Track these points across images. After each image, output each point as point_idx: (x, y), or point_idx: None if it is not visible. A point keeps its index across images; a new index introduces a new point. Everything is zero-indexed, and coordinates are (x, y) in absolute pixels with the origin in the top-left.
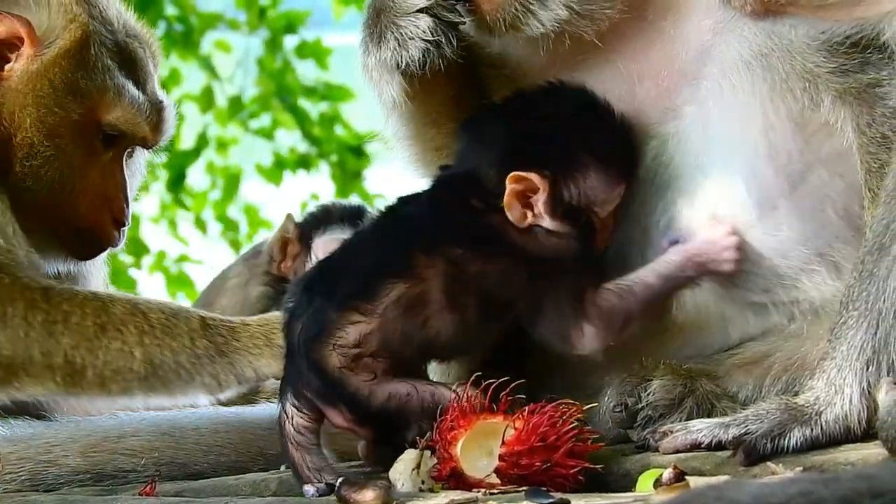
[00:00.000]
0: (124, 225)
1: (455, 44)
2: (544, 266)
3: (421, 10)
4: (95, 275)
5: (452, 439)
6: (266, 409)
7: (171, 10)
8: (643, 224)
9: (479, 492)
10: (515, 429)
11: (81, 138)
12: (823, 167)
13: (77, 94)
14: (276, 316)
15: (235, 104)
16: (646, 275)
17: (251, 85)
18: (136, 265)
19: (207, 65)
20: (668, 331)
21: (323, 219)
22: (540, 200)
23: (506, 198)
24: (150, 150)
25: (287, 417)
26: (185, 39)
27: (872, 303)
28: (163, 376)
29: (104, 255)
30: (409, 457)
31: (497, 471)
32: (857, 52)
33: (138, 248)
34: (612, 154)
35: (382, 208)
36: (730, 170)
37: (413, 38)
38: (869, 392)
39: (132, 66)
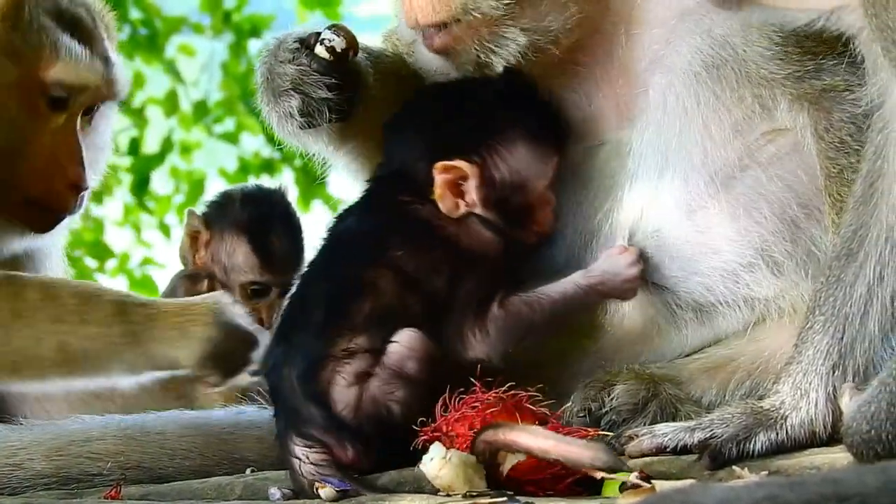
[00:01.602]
0: (82, 189)
1: (330, 113)
2: (472, 261)
3: (292, 89)
4: (52, 254)
5: (468, 442)
6: (231, 413)
7: (135, 14)
8: (597, 229)
9: (456, 494)
10: None
11: (24, 101)
12: (761, 169)
13: (12, 54)
14: (199, 302)
15: (200, 108)
16: (554, 291)
17: (216, 89)
18: (99, 269)
19: (172, 69)
20: (624, 337)
21: (225, 204)
22: (471, 187)
23: (436, 189)
24: (106, 105)
25: (302, 460)
26: (149, 43)
27: (839, 307)
28: (77, 362)
29: (62, 226)
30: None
31: (508, 476)
32: (812, 58)
33: (102, 252)
34: (538, 126)
35: (326, 230)
36: (662, 178)
37: (293, 117)
38: (835, 396)
39: (74, 25)
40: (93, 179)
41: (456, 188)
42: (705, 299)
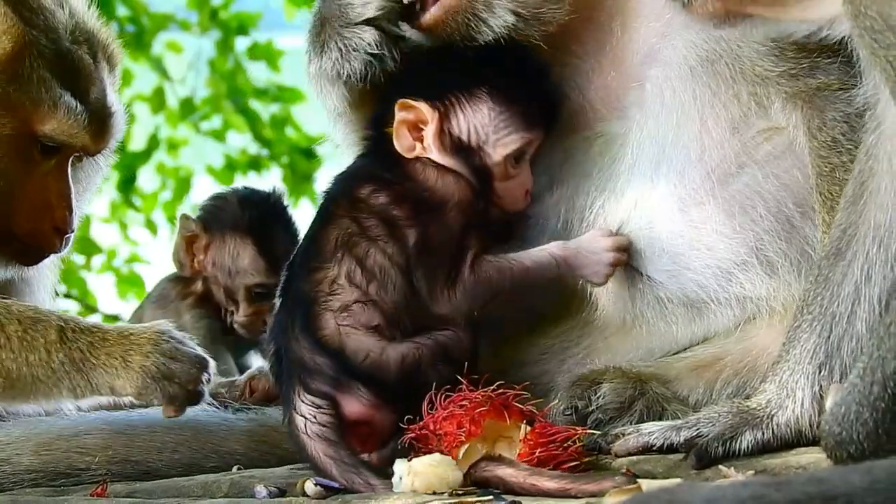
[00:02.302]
0: (67, 233)
1: (398, 57)
2: (438, 204)
3: (366, 22)
4: (42, 281)
5: (456, 441)
6: (216, 408)
7: (122, 11)
8: (586, 222)
9: (443, 494)
10: (525, 441)
11: (16, 150)
12: (758, 167)
13: (9, 107)
14: (141, 330)
15: (187, 105)
16: (525, 258)
17: (202, 86)
18: (86, 266)
19: (159, 66)
20: (612, 333)
21: (222, 206)
22: (429, 133)
23: (394, 126)
24: (97, 156)
25: (306, 419)
26: (136, 40)
27: (826, 307)
28: (20, 388)
29: (49, 260)
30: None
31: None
32: (806, 56)
33: (89, 249)
34: (516, 95)
35: None
36: (658, 171)
37: (357, 51)
38: (821, 396)
39: (73, 74)
40: (78, 220)
41: (416, 130)
42: (696, 296)
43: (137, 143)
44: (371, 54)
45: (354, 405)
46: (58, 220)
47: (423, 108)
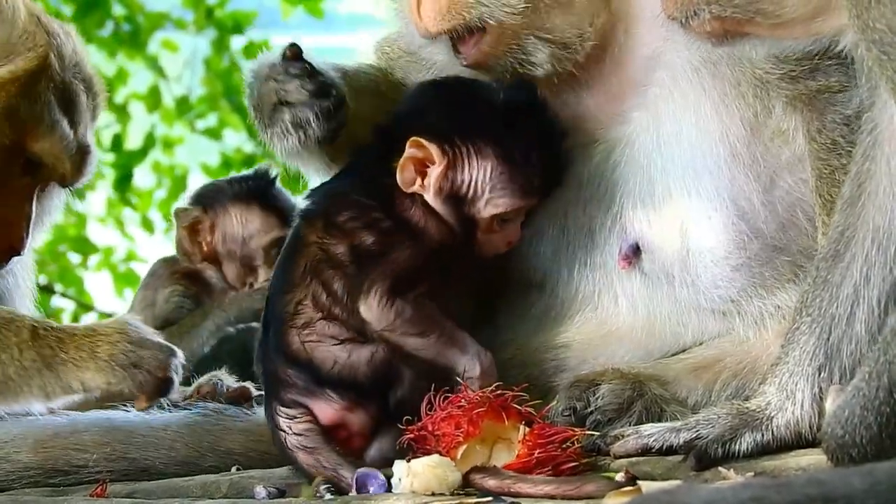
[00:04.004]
0: (18, 254)
1: (331, 123)
2: (412, 235)
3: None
4: (21, 292)
5: (454, 442)
6: (214, 407)
7: (118, 10)
8: (589, 227)
9: (442, 495)
10: (523, 442)
11: (4, 160)
12: (787, 173)
13: (15, 120)
14: (108, 323)
15: (182, 104)
16: (446, 335)
17: (198, 85)
18: (82, 264)
19: (154, 64)
20: (620, 335)
21: (214, 188)
22: (433, 174)
23: (402, 160)
24: (66, 188)
25: (286, 432)
26: (132, 39)
27: (825, 308)
28: None
29: (29, 270)
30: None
31: None
32: (806, 58)
33: (85, 247)
34: (524, 161)
35: None
36: (664, 175)
37: (285, 133)
38: (821, 398)
39: (71, 105)
40: (33, 243)
41: (421, 167)
42: (727, 308)
43: (134, 142)
44: (296, 128)
45: (327, 411)
46: (14, 240)
47: (434, 151)
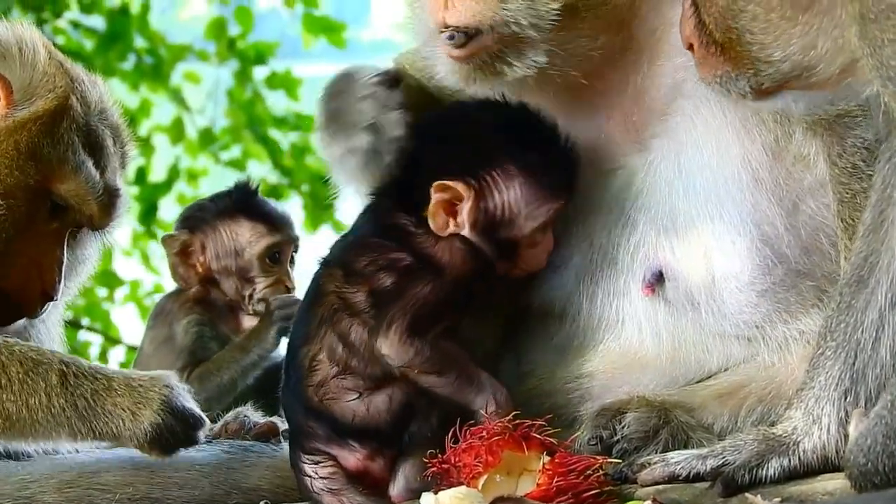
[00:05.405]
0: (52, 299)
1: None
2: (439, 271)
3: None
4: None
5: (474, 472)
6: (240, 444)
7: (140, 43)
8: (612, 254)
9: None
10: (543, 470)
11: (29, 202)
12: (810, 197)
13: (38, 160)
14: (149, 384)
15: (206, 135)
16: (466, 376)
17: (221, 116)
18: (109, 298)
19: (177, 96)
20: (644, 362)
21: (198, 209)
22: (465, 209)
23: (431, 207)
24: (98, 232)
25: (312, 476)
26: (154, 71)
27: (850, 334)
28: (20, 430)
29: (60, 317)
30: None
31: None
32: None
33: (111, 280)
34: (543, 166)
35: None
36: (687, 201)
37: (360, 153)
38: (847, 422)
39: (96, 148)
40: (68, 291)
41: (450, 208)
42: (751, 334)
43: (158, 174)
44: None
45: (350, 459)
46: (47, 284)
47: (460, 187)
